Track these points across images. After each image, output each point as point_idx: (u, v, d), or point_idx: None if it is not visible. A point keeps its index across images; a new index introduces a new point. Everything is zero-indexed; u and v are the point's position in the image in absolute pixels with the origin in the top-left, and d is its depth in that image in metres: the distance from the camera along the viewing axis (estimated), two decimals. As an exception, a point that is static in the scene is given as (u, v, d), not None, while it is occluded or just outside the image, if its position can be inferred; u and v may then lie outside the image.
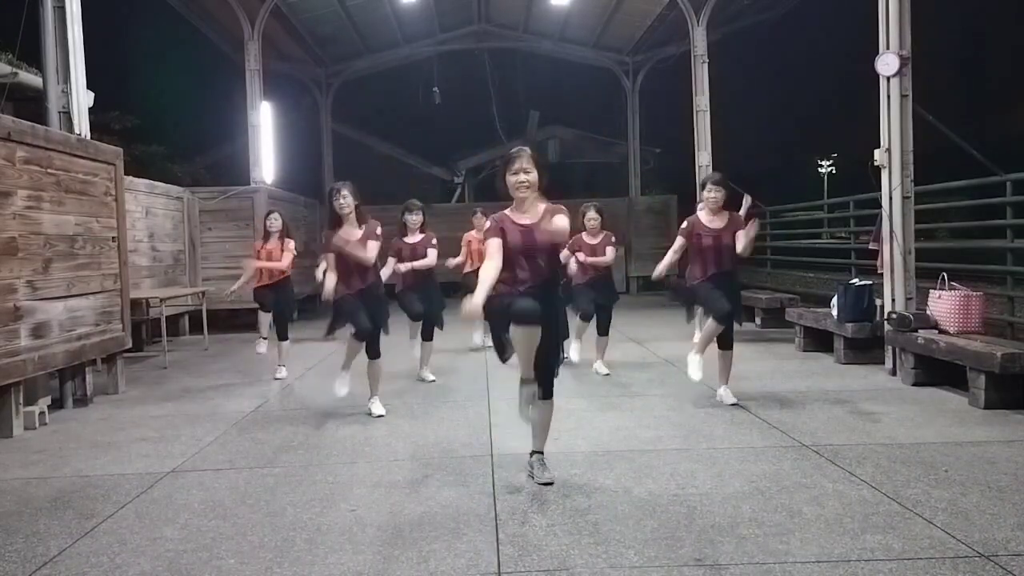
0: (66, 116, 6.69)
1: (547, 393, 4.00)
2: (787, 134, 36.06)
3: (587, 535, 3.31)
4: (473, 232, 8.78)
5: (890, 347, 6.74)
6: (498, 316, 3.81)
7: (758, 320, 10.32)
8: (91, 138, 6.82)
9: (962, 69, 31.33)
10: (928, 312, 6.45)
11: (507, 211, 3.97)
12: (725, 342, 5.75)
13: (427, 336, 7.03)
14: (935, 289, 6.46)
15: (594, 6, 14.73)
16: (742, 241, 5.56)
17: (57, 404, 6.20)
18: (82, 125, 6.75)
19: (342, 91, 17.99)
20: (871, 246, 7.49)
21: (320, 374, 7.61)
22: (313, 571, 3.04)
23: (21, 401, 5.50)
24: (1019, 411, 5.25)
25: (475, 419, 5.52)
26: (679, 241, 5.91)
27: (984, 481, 3.87)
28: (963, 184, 7.82)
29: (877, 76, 6.62)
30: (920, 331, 6.31)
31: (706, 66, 11.95)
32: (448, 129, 21.09)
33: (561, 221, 3.75)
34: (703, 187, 5.80)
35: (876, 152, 6.73)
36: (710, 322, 5.62)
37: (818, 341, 8.02)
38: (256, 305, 7.62)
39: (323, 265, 6.24)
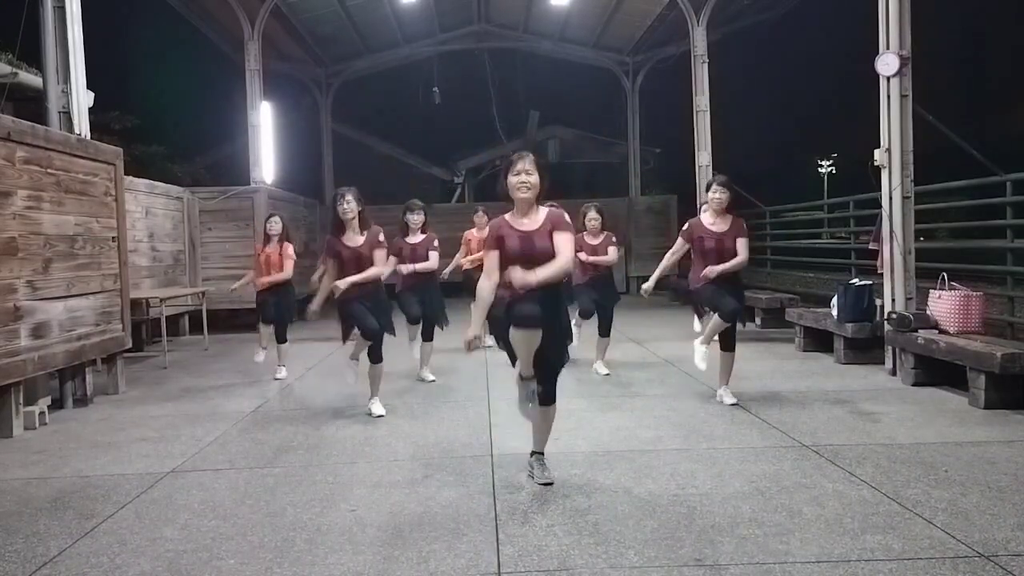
0: (66, 116, 6.69)
1: (550, 398, 3.99)
2: (787, 134, 36.04)
3: (587, 535, 3.31)
4: (473, 231, 8.79)
5: (890, 347, 6.74)
6: (499, 319, 3.81)
7: (758, 320, 10.31)
8: (91, 138, 6.82)
9: (962, 69, 31.33)
10: (928, 312, 6.45)
11: (507, 216, 3.95)
12: (728, 344, 5.74)
13: (427, 336, 7.03)
14: (935, 289, 6.46)
15: (594, 6, 14.73)
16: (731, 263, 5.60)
17: (57, 404, 6.20)
18: (82, 125, 6.75)
19: (342, 91, 17.98)
20: (871, 246, 7.49)
21: (320, 374, 7.61)
22: (313, 571, 3.04)
23: (21, 401, 5.50)
24: (1019, 411, 5.25)
25: (475, 419, 5.52)
26: (678, 243, 5.93)
27: (984, 481, 3.87)
28: (963, 184, 7.82)
29: (877, 76, 6.62)
30: (920, 331, 6.31)
31: (706, 66, 11.94)
32: (448, 129, 21.08)
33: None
34: (708, 188, 5.79)
35: (876, 152, 6.73)
36: (716, 318, 5.61)
37: (818, 341, 8.02)
38: (256, 305, 7.63)
39: (321, 270, 6.26)
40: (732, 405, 5.63)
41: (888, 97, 6.60)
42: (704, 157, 11.93)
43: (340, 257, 5.56)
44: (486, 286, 3.84)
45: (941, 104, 11.18)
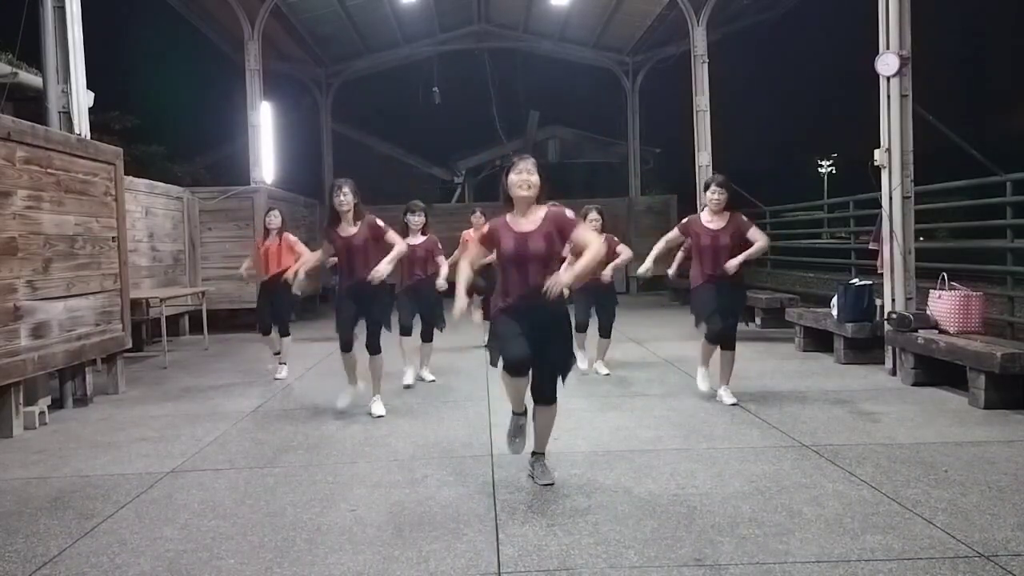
0: (66, 116, 6.69)
1: (551, 398, 3.99)
2: (787, 134, 36.12)
3: (587, 535, 3.31)
4: (471, 231, 8.79)
5: (890, 347, 6.74)
6: (494, 339, 3.91)
7: (758, 320, 10.32)
8: (91, 138, 6.82)
9: (962, 69, 31.36)
10: (928, 312, 6.45)
11: (507, 216, 3.97)
12: (728, 343, 5.76)
13: (426, 337, 7.03)
14: (935, 289, 6.46)
15: (594, 6, 14.72)
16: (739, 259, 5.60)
17: (57, 404, 6.20)
18: (82, 125, 6.75)
19: (342, 91, 17.98)
20: (871, 246, 7.48)
21: (320, 374, 7.61)
22: (313, 571, 3.04)
23: (21, 401, 5.50)
24: (1019, 411, 5.25)
25: (475, 419, 5.52)
26: (673, 232, 6.01)
27: (984, 481, 3.87)
28: (963, 184, 7.81)
29: (877, 76, 6.62)
30: (920, 331, 6.31)
31: (706, 66, 11.94)
32: (448, 129, 21.08)
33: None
34: (706, 188, 5.81)
35: (876, 152, 6.73)
36: (703, 339, 5.74)
37: (818, 341, 8.02)
38: (257, 306, 7.64)
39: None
40: (732, 405, 5.63)
41: (888, 97, 6.60)
42: (704, 157, 11.93)
43: (334, 246, 5.68)
44: (464, 265, 4.13)
45: (941, 104, 11.19)
